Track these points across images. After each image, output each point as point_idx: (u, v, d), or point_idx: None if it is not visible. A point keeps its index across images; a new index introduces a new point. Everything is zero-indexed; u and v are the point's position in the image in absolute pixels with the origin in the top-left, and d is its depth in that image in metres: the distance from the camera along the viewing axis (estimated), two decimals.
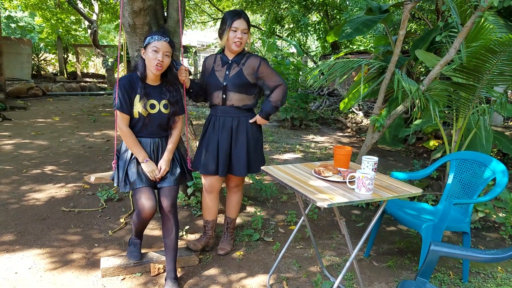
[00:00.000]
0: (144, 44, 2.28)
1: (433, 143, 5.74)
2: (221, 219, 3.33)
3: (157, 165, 2.37)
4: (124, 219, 3.31)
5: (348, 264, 2.01)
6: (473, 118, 3.71)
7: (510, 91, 7.71)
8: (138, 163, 2.34)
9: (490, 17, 3.25)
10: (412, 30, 10.37)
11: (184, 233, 3.10)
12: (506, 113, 3.64)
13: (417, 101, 3.45)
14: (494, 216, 3.42)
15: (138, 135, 2.34)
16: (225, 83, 2.58)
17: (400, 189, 2.02)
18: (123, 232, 3.09)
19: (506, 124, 6.55)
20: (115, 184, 2.35)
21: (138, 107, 2.29)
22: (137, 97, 2.29)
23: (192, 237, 3.07)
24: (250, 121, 2.65)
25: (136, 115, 2.30)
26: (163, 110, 2.36)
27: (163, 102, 2.36)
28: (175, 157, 2.47)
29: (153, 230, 3.15)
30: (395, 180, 2.19)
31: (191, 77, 2.64)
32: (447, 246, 1.62)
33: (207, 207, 2.81)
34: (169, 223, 2.36)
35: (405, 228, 3.40)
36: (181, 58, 2.66)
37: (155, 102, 2.34)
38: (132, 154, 2.34)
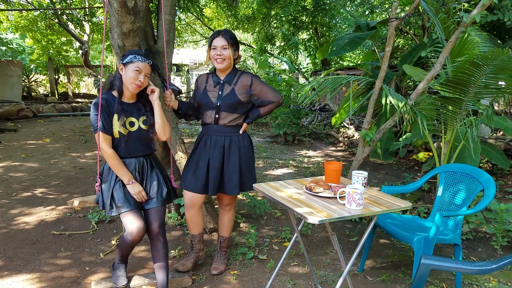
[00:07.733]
0: (124, 61, 2.25)
1: (423, 155, 5.79)
2: (214, 238, 3.30)
3: (143, 186, 2.35)
4: (116, 241, 3.27)
5: (341, 280, 2.01)
6: (461, 130, 3.77)
7: (496, 103, 7.85)
8: (124, 185, 2.31)
9: (473, 32, 3.34)
10: (400, 46, 10.56)
11: (176, 253, 3.07)
12: (493, 124, 3.70)
13: (405, 115, 3.50)
14: (485, 227, 3.44)
15: (121, 156, 2.30)
16: (218, 103, 2.58)
17: (391, 203, 2.03)
18: (115, 255, 3.05)
19: (493, 135, 6.64)
20: (99, 207, 2.33)
21: (117, 127, 2.27)
22: (115, 116, 2.27)
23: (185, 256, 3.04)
24: (240, 131, 2.66)
25: (116, 135, 2.27)
26: (142, 126, 2.34)
27: (142, 118, 2.36)
28: (160, 177, 2.44)
29: (143, 251, 3.12)
30: (386, 194, 2.20)
31: (184, 95, 2.66)
32: (437, 259, 1.63)
33: (191, 221, 2.78)
34: (158, 244, 2.33)
35: (398, 241, 3.40)
36: (168, 81, 2.67)
37: (134, 119, 2.33)
38: (116, 176, 2.31)
